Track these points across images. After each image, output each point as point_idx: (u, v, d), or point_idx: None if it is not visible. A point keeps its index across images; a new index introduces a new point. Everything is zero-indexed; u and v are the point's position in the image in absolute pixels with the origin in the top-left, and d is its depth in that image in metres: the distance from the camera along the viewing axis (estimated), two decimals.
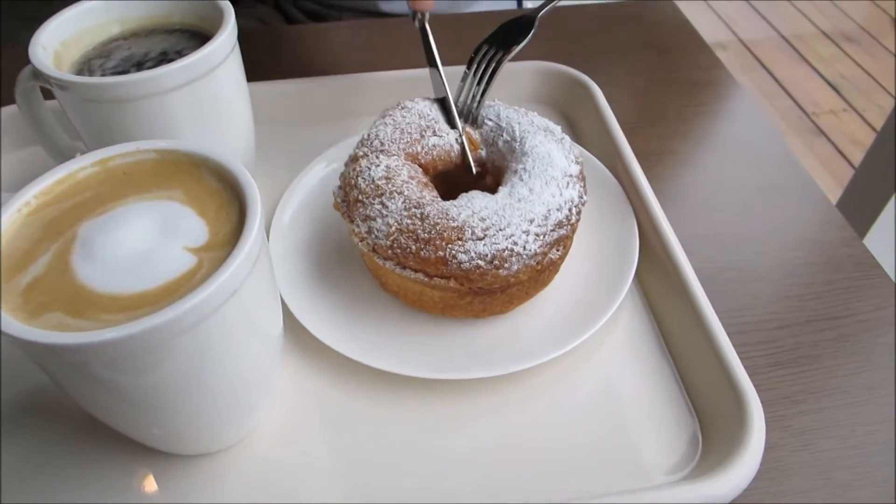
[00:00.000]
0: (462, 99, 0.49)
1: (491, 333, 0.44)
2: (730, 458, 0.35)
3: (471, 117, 0.49)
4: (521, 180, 0.42)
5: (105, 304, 0.29)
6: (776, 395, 0.42)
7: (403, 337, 0.44)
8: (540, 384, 0.42)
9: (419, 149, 0.46)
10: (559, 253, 0.42)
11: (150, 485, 0.38)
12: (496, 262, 0.40)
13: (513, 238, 0.40)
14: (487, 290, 0.41)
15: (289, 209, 0.52)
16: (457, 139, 0.47)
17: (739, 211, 0.54)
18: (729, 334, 0.40)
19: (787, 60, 2.32)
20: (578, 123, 0.61)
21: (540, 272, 0.42)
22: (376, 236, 0.41)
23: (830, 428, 0.40)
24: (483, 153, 0.47)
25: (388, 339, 0.44)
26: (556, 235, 0.41)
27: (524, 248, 0.40)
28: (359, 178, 0.43)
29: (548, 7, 0.53)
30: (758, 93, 2.16)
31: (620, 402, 0.41)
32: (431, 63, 0.51)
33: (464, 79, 0.50)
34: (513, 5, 0.91)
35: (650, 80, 0.69)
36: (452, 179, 0.47)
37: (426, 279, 0.41)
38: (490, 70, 0.49)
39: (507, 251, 0.40)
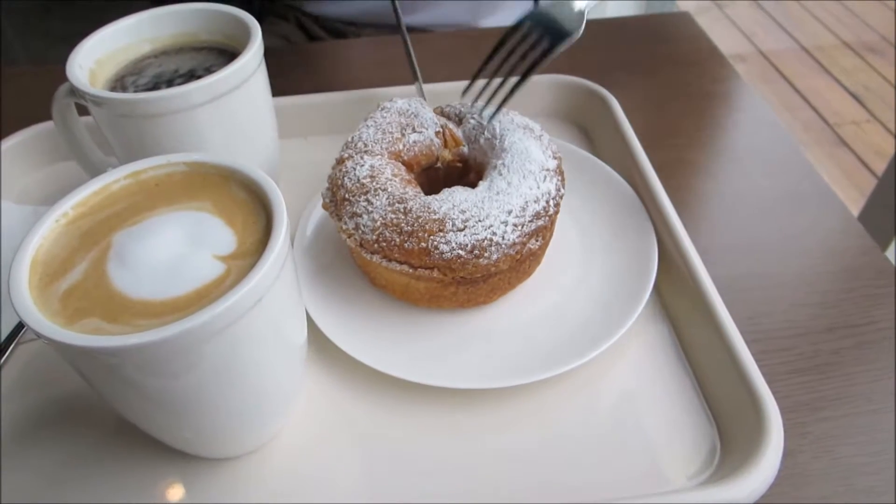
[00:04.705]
0: (478, 103, 0.49)
1: (513, 343, 0.45)
2: (748, 462, 0.35)
3: (457, 117, 0.50)
4: (500, 175, 0.44)
5: (139, 310, 0.30)
6: (795, 402, 0.42)
7: (428, 347, 0.45)
8: (560, 393, 0.42)
9: (401, 146, 0.47)
10: (538, 243, 0.44)
11: (176, 487, 0.39)
12: (476, 251, 0.41)
13: (492, 228, 0.41)
14: (470, 279, 0.43)
15: (312, 221, 0.53)
16: (437, 132, 0.48)
17: (758, 220, 0.55)
18: (747, 342, 0.40)
19: (808, 71, 2.30)
20: (596, 136, 0.62)
21: (520, 262, 0.44)
22: (363, 231, 0.43)
23: (851, 434, 0.40)
24: (465, 150, 0.49)
25: (412, 348, 0.44)
26: (534, 226, 0.43)
27: (503, 237, 0.42)
28: (345, 178, 0.45)
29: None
30: (779, 104, 2.15)
31: (639, 409, 0.41)
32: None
33: (473, 88, 0.48)
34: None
35: (668, 92, 0.70)
36: (437, 179, 0.49)
37: (411, 270, 0.42)
38: (526, 69, 0.46)
39: (486, 241, 0.41)
